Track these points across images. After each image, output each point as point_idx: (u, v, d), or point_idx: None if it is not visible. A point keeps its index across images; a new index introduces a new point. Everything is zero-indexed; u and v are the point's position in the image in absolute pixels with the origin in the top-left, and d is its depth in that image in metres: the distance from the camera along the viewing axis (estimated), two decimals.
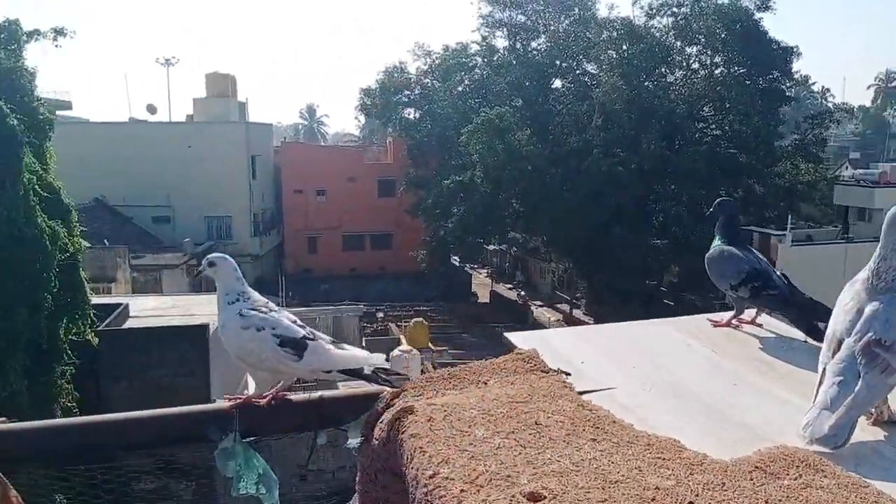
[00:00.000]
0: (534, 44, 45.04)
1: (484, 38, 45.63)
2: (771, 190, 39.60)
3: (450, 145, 42.11)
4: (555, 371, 2.11)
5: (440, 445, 1.64)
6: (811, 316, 2.41)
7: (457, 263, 49.03)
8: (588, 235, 36.15)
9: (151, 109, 48.07)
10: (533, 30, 44.61)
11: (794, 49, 40.29)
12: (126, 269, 27.44)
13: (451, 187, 39.27)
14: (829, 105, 59.56)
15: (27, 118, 13.90)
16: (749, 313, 2.63)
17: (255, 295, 2.30)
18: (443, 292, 44.05)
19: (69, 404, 12.99)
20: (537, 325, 34.12)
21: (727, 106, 39.85)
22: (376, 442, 1.92)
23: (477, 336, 33.06)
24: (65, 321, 14.24)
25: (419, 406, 1.87)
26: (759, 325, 2.59)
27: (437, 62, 47.14)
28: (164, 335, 15.92)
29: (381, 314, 35.85)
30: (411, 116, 48.52)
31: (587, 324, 27.72)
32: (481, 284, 50.67)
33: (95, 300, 15.99)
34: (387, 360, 2.02)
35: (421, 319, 31.01)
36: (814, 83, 70.80)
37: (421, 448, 1.66)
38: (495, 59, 45.02)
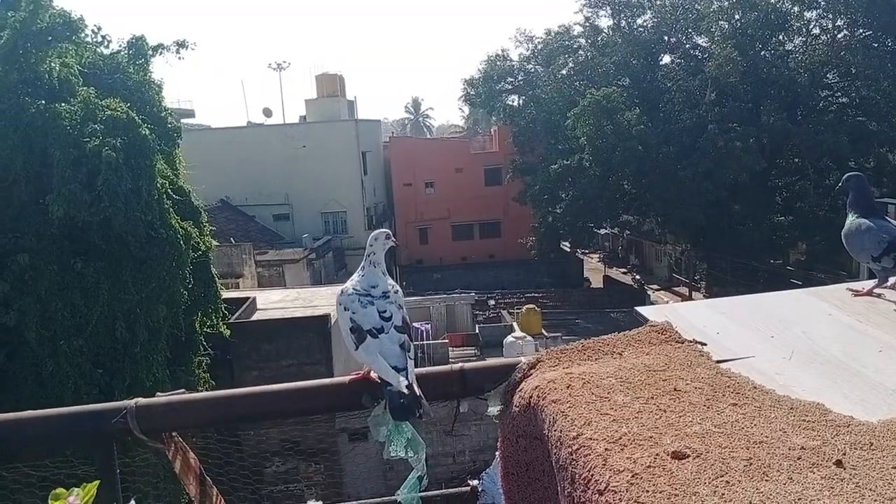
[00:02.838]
0: (639, 21, 43.80)
1: (587, 19, 44.80)
2: None
3: (555, 130, 41.61)
4: (690, 341, 2.12)
5: (581, 409, 1.71)
6: None
7: (567, 249, 48.51)
8: (705, 214, 34.85)
9: (267, 113, 50.24)
10: (638, 6, 43.33)
11: None
12: (251, 265, 28.90)
13: (558, 172, 38.84)
14: None
15: (157, 127, 14.90)
16: (892, 282, 2.57)
17: (372, 275, 2.26)
18: (554, 278, 43.72)
19: None
20: None
21: (853, 72, 37.16)
22: (516, 409, 2.00)
23: (591, 322, 32.57)
24: (199, 315, 15.20)
25: (557, 375, 1.94)
26: (894, 289, 2.52)
27: (539, 47, 46.73)
28: (290, 326, 16.67)
29: (492, 301, 35.98)
30: (515, 103, 48.37)
31: None
32: (593, 269, 49.88)
33: (225, 295, 17.00)
34: (407, 385, 2.01)
35: (533, 306, 30.87)
36: None
37: (563, 412, 1.72)
38: (599, 39, 44.09)
